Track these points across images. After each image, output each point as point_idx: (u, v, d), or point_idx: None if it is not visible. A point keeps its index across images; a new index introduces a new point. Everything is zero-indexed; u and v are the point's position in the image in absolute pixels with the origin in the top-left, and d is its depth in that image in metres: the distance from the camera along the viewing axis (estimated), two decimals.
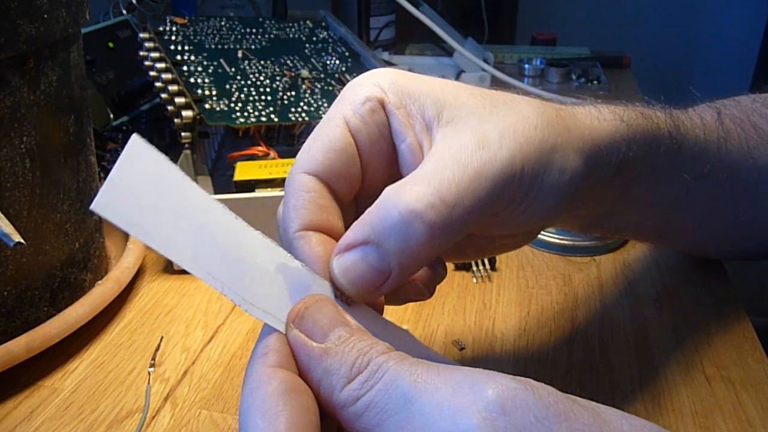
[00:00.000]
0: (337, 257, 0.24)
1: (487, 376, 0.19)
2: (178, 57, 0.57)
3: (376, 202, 0.24)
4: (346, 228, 0.25)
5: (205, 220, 0.22)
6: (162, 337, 0.40)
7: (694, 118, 0.35)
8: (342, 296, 0.24)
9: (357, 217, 0.24)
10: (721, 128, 0.35)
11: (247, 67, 0.58)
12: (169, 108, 0.51)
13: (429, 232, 0.23)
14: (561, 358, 0.37)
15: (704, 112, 0.36)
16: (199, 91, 0.52)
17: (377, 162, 0.27)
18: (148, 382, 0.35)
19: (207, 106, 0.51)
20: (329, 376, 0.20)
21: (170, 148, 0.68)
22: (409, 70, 0.28)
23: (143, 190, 0.21)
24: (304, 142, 0.27)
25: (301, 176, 0.25)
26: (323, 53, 0.64)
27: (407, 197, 0.23)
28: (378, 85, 0.27)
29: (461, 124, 0.25)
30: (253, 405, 0.20)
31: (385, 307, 0.27)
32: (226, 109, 0.51)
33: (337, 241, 0.24)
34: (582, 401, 0.19)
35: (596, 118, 0.29)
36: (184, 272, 0.46)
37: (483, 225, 0.26)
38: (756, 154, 0.36)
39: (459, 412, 0.18)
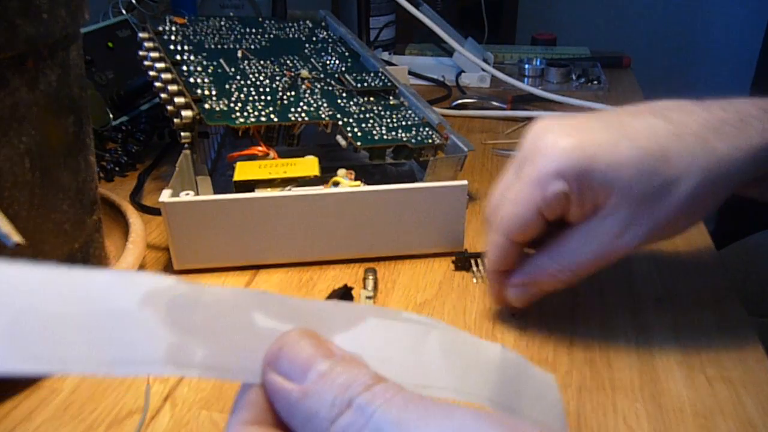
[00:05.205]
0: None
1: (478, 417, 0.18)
2: (178, 57, 0.56)
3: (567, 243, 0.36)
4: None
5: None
6: None
7: None
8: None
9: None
10: None
11: (247, 67, 0.58)
12: (169, 108, 0.51)
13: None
14: (561, 358, 0.37)
15: None
16: (199, 91, 0.52)
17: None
18: (148, 382, 0.35)
19: (207, 106, 0.51)
20: (311, 421, 0.19)
21: (170, 148, 0.68)
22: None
23: None
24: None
25: (503, 239, 0.37)
26: (323, 53, 0.64)
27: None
28: (565, 179, 0.33)
29: (615, 208, 0.34)
30: None
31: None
32: (225, 109, 0.51)
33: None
34: None
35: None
36: (184, 272, 0.46)
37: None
38: None
39: None
